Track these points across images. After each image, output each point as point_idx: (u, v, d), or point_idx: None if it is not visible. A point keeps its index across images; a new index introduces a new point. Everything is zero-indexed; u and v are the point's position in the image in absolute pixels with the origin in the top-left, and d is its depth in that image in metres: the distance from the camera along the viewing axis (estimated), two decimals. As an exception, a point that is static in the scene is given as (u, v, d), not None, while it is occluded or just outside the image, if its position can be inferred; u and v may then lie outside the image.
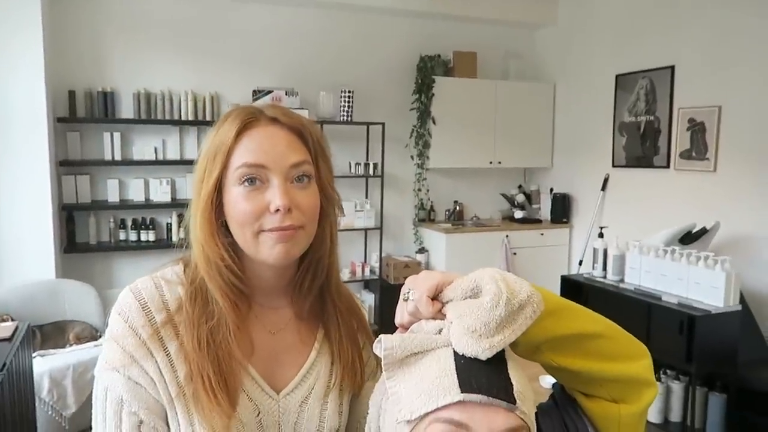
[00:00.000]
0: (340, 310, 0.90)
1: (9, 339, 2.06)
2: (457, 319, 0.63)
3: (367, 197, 5.10)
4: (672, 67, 4.25)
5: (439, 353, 0.64)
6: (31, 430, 2.45)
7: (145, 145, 4.38)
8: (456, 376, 0.61)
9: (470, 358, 0.62)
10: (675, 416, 3.25)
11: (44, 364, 3.12)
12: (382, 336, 0.65)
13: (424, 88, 5.04)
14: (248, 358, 0.83)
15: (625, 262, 3.50)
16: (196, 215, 0.82)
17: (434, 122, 5.07)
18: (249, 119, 0.81)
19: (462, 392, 0.60)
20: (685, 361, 2.98)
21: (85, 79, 4.27)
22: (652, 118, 4.43)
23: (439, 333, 0.66)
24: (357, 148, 5.05)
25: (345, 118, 4.75)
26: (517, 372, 0.65)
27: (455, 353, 0.63)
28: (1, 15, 3.54)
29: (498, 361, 0.63)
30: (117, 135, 4.27)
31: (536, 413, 0.73)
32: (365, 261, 5.15)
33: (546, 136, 5.56)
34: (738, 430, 3.11)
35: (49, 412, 3.05)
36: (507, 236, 5.16)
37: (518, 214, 5.48)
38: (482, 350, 0.61)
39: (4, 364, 1.80)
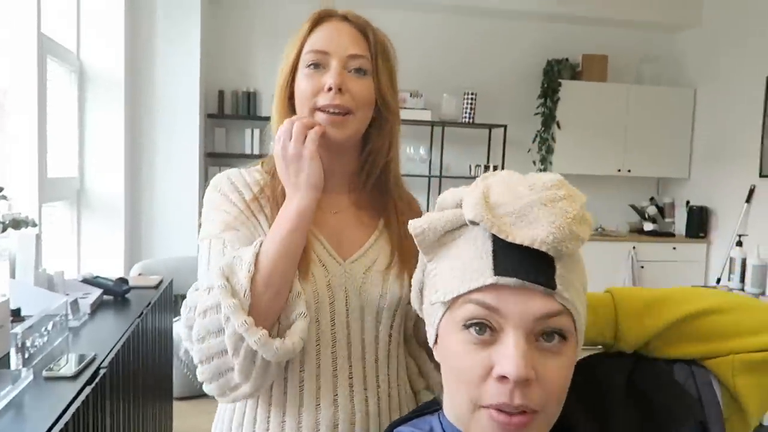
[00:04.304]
0: (398, 207, 0.98)
1: (155, 288, 2.36)
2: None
3: (485, 200, 5.09)
4: (836, 65, 3.80)
5: (476, 233, 0.61)
6: (168, 382, 2.76)
7: (279, 142, 4.75)
8: (492, 259, 0.58)
9: (510, 242, 0.57)
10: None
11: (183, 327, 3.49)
12: (411, 221, 0.65)
13: (549, 92, 4.96)
14: (317, 229, 0.92)
15: (767, 274, 3.17)
16: (275, 97, 0.94)
17: (559, 126, 4.96)
18: (323, 15, 0.92)
19: (495, 275, 0.57)
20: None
21: (233, 80, 4.75)
22: (809, 122, 3.99)
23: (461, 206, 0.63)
24: (478, 151, 5.08)
25: (467, 119, 4.80)
26: (572, 263, 0.60)
27: (494, 236, 0.59)
28: (167, 19, 4.06)
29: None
30: (257, 131, 4.69)
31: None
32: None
33: (683, 144, 5.19)
34: None
35: (185, 371, 3.41)
36: (634, 248, 4.87)
37: (648, 226, 5.15)
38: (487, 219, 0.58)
39: (149, 303, 2.07)
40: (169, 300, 2.72)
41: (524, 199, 0.58)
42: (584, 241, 0.59)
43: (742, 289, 3.26)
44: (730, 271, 3.37)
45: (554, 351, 0.57)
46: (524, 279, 0.56)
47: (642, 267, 4.88)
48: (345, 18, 0.93)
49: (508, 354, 0.55)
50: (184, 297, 3.33)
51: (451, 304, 0.60)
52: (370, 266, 0.93)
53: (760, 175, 4.38)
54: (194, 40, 4.15)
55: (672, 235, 5.09)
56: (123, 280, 2.17)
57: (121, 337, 1.63)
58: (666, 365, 0.69)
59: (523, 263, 0.56)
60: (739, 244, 3.45)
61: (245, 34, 4.77)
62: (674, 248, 4.96)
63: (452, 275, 0.60)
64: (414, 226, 0.64)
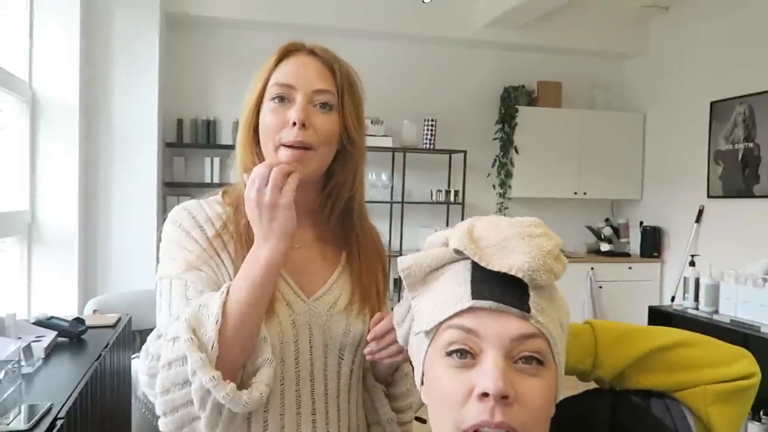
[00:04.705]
0: (360, 242, 0.98)
1: (112, 327, 2.28)
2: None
3: (447, 225, 5.14)
4: (773, 92, 4.03)
5: (457, 267, 0.65)
6: (127, 420, 2.65)
7: (240, 170, 4.70)
8: (470, 285, 0.62)
9: (488, 270, 0.62)
10: (778, 462, 2.96)
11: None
12: (399, 258, 0.68)
13: (507, 118, 5.08)
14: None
15: (720, 293, 3.29)
16: (239, 129, 0.94)
17: (517, 151, 5.07)
18: (290, 48, 0.93)
19: (472, 299, 0.60)
20: (788, 399, 2.73)
21: (192, 108, 4.69)
22: (751, 145, 4.20)
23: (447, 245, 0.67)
24: (439, 176, 5.14)
25: (428, 145, 4.87)
26: (549, 293, 0.64)
27: (473, 265, 0.63)
28: (124, 48, 3.99)
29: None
30: (217, 159, 4.63)
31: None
32: (445, 288, 5.15)
33: (635, 167, 5.38)
34: None
35: (143, 410, 3.28)
36: (592, 269, 4.99)
37: (605, 247, 5.29)
38: (473, 250, 0.63)
39: (107, 344, 1.99)
40: (128, 337, 2.63)
41: (504, 233, 0.64)
42: (557, 277, 0.64)
43: (697, 308, 3.37)
44: (685, 291, 3.48)
45: (532, 373, 0.60)
46: (499, 301, 0.60)
47: (600, 287, 5.00)
48: (312, 52, 0.93)
49: (487, 372, 0.57)
50: (142, 333, 3.21)
51: (434, 334, 0.63)
52: (333, 303, 0.93)
53: (708, 196, 4.57)
54: (152, 68, 4.09)
55: (627, 255, 5.24)
56: (79, 320, 2.08)
57: (78, 383, 1.55)
58: (643, 401, 0.72)
59: (499, 288, 0.61)
60: (692, 264, 3.57)
61: (205, 62, 4.74)
62: (630, 268, 5.10)
63: (434, 305, 0.64)
64: (402, 264, 0.67)
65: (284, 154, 0.87)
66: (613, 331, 0.74)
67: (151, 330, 3.33)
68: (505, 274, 0.61)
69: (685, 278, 3.51)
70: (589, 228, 5.47)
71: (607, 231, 5.39)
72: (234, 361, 0.80)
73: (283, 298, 0.89)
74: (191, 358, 0.77)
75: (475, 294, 0.61)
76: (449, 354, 0.61)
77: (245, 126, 0.92)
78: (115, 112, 4.01)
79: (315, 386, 0.91)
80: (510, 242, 0.63)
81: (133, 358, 3.43)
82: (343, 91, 0.92)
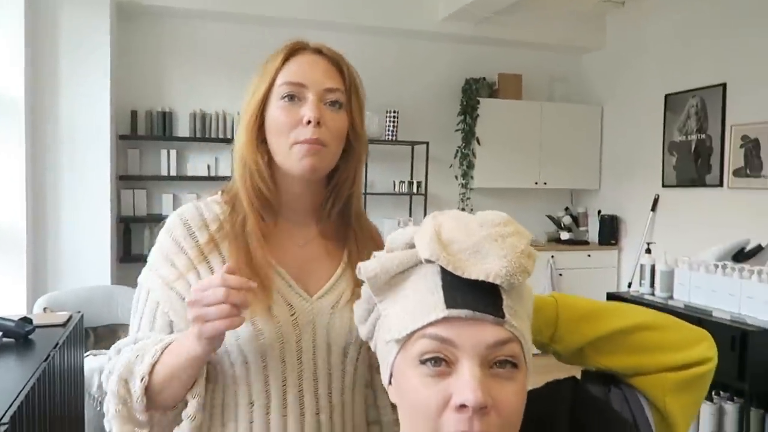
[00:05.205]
0: (359, 239, 0.98)
1: (62, 325, 2.19)
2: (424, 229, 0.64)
3: (410, 215, 5.14)
4: (724, 85, 4.16)
5: (425, 270, 0.63)
6: (79, 422, 2.56)
7: (199, 162, 4.60)
8: (442, 293, 0.60)
9: (457, 276, 0.60)
10: (730, 441, 3.07)
11: (95, 363, 3.26)
12: (360, 264, 0.66)
13: (468, 110, 5.10)
14: (281, 265, 0.91)
15: (674, 279, 3.38)
16: (240, 128, 0.93)
17: (479, 143, 5.11)
18: (296, 47, 0.93)
19: (447, 308, 0.59)
20: (737, 380, 2.83)
21: (147, 100, 4.55)
22: (703, 136, 4.33)
23: (413, 247, 0.65)
24: (401, 168, 5.13)
25: (390, 137, 4.85)
26: (518, 289, 0.64)
27: (442, 270, 0.62)
28: (72, 39, 3.84)
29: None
30: (173, 152, 4.51)
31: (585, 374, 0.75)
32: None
33: (593, 158, 5.49)
34: (800, 458, 2.91)
35: (98, 408, 3.18)
36: (552, 257, 5.08)
37: (564, 235, 5.39)
38: (442, 256, 0.61)
39: (57, 344, 1.91)
40: (80, 335, 2.53)
41: (476, 236, 0.62)
42: (531, 274, 0.63)
43: (652, 294, 3.46)
44: (641, 278, 3.57)
45: (507, 377, 0.60)
46: (474, 310, 0.59)
47: (560, 275, 5.09)
48: (319, 51, 0.94)
49: (466, 383, 0.57)
50: (96, 330, 3.08)
51: (405, 341, 0.62)
52: (337, 301, 0.92)
53: (663, 185, 4.70)
54: (103, 59, 3.94)
55: (586, 243, 5.36)
56: (26, 320, 1.98)
57: (24, 387, 1.48)
58: (603, 395, 0.72)
59: (473, 295, 0.60)
60: (648, 251, 3.67)
61: (160, 52, 4.59)
62: (589, 255, 5.21)
63: (404, 313, 0.62)
64: (366, 269, 0.65)
65: (300, 149, 0.88)
66: (576, 308, 0.74)
67: (106, 327, 3.22)
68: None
69: (641, 265, 3.60)
70: (550, 217, 5.57)
71: (567, 220, 5.49)
72: (165, 404, 0.85)
73: (283, 298, 0.89)
74: (111, 410, 0.82)
75: (449, 302, 0.59)
76: (423, 362, 0.60)
77: (250, 124, 0.92)
78: (64, 105, 3.86)
79: (318, 385, 0.90)
80: (483, 246, 0.61)
81: (86, 356, 3.32)
82: (350, 91, 0.94)
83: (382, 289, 0.65)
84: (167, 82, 4.61)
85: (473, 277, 0.59)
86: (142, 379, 0.81)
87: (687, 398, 0.71)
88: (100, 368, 3.27)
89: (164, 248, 0.91)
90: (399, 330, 0.62)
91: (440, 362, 0.59)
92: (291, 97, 0.89)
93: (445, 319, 0.59)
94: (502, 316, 0.60)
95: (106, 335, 3.59)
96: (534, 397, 0.74)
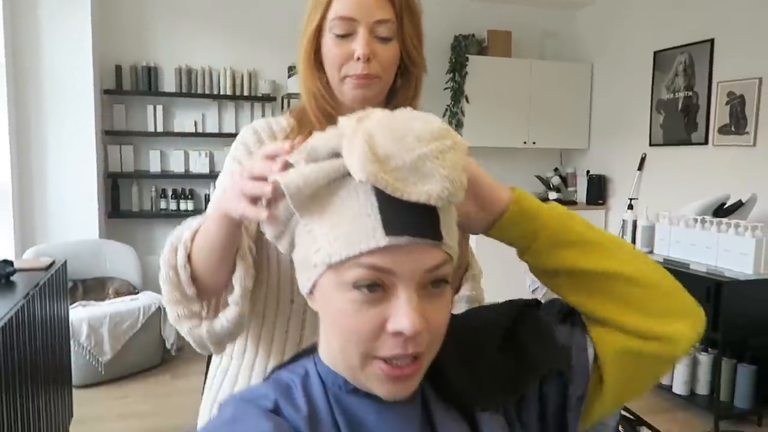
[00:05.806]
0: None
1: (45, 269, 2.22)
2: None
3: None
4: (711, 41, 4.12)
5: (355, 185, 0.57)
6: (65, 370, 2.61)
7: (185, 119, 4.57)
8: (380, 216, 0.55)
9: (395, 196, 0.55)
10: (702, 389, 3.17)
11: (84, 312, 3.31)
12: (277, 176, 0.59)
13: (457, 67, 5.06)
14: None
15: (655, 234, 3.43)
16: (298, 55, 0.97)
17: (467, 101, 5.08)
18: None
19: (386, 235, 0.55)
20: (711, 330, 2.90)
21: (132, 55, 4.49)
22: (690, 93, 4.31)
23: (337, 157, 0.58)
24: (390, 126, 5.11)
25: (378, 94, 4.81)
26: (447, 206, 0.59)
27: (376, 188, 0.55)
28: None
29: None
30: (159, 108, 4.47)
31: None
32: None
33: (583, 117, 5.47)
34: (769, 405, 3.01)
35: (87, 357, 3.24)
36: (539, 216, 5.11)
37: (552, 195, 5.41)
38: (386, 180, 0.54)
39: (37, 284, 1.94)
40: (63, 284, 2.56)
41: (414, 151, 0.55)
42: (467, 188, 0.59)
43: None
44: (623, 233, 3.62)
45: (438, 294, 0.58)
46: (414, 235, 0.55)
47: (547, 234, 5.13)
48: None
49: (403, 311, 0.55)
50: (84, 282, 3.15)
51: (337, 266, 0.57)
52: None
53: (650, 144, 4.71)
54: (84, 11, 3.88)
55: (575, 203, 5.39)
56: (7, 262, 2.02)
57: None
58: (552, 324, 0.69)
59: (411, 218, 0.55)
60: (630, 207, 3.71)
61: (145, 5, 4.50)
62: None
63: (335, 235, 0.57)
64: (288, 183, 0.57)
65: (351, 82, 0.92)
66: (566, 230, 0.68)
67: (95, 279, 3.31)
68: None
69: (623, 221, 3.65)
70: (539, 177, 5.58)
71: (556, 180, 5.51)
72: (210, 280, 0.85)
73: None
74: (164, 295, 0.85)
75: (388, 229, 0.55)
76: (357, 287, 0.56)
77: (306, 54, 0.96)
78: (45, 59, 3.82)
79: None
80: (424, 163, 0.55)
81: (74, 307, 3.37)
82: (402, 15, 0.94)
83: (305, 204, 0.58)
84: (152, 36, 4.54)
85: (413, 199, 0.54)
86: (184, 245, 0.84)
87: (629, 372, 0.67)
88: (89, 318, 3.32)
89: (236, 153, 0.98)
90: (330, 254, 0.57)
91: (376, 288, 0.56)
92: (343, 32, 0.92)
93: (384, 248, 0.55)
94: (440, 238, 0.57)
95: (94, 287, 3.64)
96: (489, 308, 0.74)
